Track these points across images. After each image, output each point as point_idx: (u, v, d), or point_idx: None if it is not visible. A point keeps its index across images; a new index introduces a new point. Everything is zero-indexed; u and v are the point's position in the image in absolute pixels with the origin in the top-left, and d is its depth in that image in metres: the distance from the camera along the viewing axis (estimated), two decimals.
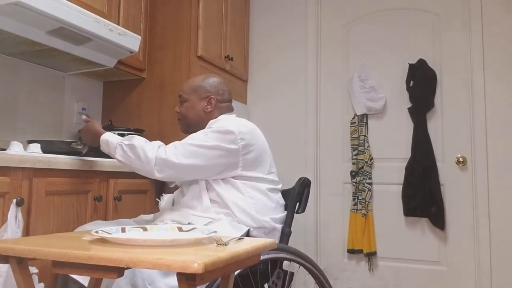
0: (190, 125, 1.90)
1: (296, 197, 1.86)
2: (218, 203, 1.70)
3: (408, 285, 2.90)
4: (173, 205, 1.91)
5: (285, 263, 1.74)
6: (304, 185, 1.89)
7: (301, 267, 1.67)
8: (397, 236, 2.94)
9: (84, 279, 1.44)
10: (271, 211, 1.77)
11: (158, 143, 1.71)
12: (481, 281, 2.71)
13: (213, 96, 1.88)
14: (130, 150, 1.66)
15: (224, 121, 1.80)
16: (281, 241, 1.79)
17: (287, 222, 1.82)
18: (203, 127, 1.81)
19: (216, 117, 1.87)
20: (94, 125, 1.81)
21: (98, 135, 1.76)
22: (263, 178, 1.77)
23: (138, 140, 1.68)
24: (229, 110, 1.93)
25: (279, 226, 1.79)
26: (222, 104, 1.90)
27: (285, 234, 1.80)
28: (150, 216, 1.89)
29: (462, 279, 2.78)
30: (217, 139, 1.68)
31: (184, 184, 1.84)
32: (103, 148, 1.75)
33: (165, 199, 1.93)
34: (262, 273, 1.70)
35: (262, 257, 1.52)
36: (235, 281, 1.53)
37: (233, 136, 1.69)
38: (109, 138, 1.73)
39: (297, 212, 1.87)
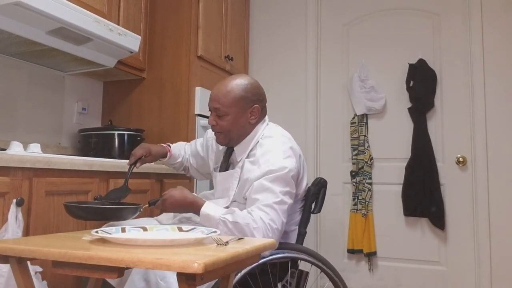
0: (233, 138, 1.74)
1: (312, 197, 1.85)
2: None
3: (408, 285, 2.90)
4: None
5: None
6: (320, 186, 1.87)
7: (313, 266, 1.68)
8: (397, 236, 2.94)
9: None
10: (293, 216, 1.78)
11: (259, 215, 1.51)
12: (481, 281, 2.71)
13: (256, 105, 1.73)
14: (235, 227, 1.48)
15: (276, 154, 1.65)
16: (296, 241, 1.79)
17: (303, 223, 1.82)
18: (245, 137, 1.74)
19: (255, 126, 1.75)
20: (188, 195, 1.61)
21: (198, 207, 1.57)
22: (297, 196, 1.77)
23: (242, 217, 1.50)
24: (265, 114, 1.83)
25: (297, 228, 1.81)
26: (263, 110, 1.78)
27: (301, 234, 1.80)
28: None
29: (462, 279, 2.78)
30: (283, 186, 1.60)
31: (224, 195, 1.76)
32: (202, 220, 1.57)
33: None
34: (275, 272, 1.70)
35: (276, 256, 1.56)
36: (245, 280, 1.54)
37: (291, 179, 1.64)
38: (210, 212, 1.54)
39: (313, 212, 1.86)
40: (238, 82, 1.72)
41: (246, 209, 1.56)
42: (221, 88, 1.71)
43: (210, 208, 1.56)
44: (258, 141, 1.73)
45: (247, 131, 1.74)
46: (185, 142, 2.11)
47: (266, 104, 1.84)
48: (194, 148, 2.04)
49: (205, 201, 1.59)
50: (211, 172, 1.94)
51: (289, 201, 1.61)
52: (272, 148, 1.67)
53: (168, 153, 1.96)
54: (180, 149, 2.04)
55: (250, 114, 1.72)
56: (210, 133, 1.94)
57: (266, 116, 1.83)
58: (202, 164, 2.02)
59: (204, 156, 1.99)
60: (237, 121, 1.70)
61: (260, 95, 1.76)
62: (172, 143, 2.06)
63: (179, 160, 2.02)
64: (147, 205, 1.63)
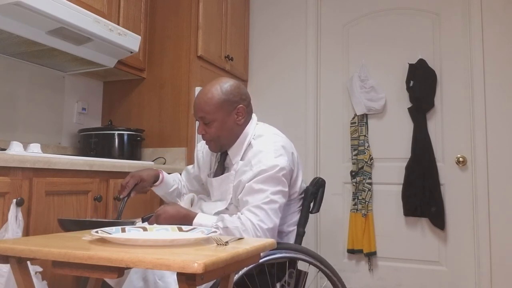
0: (224, 144, 1.74)
1: (310, 197, 1.85)
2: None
3: (408, 285, 2.90)
4: (191, 205, 1.89)
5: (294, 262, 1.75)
6: (318, 185, 1.87)
7: (311, 266, 1.68)
8: (397, 236, 2.94)
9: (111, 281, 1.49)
10: (291, 216, 1.79)
11: (247, 217, 1.54)
12: (481, 281, 2.71)
13: (241, 105, 1.71)
14: (226, 233, 1.52)
15: (267, 154, 1.65)
16: (295, 241, 1.79)
17: (301, 222, 1.81)
18: (236, 139, 1.73)
19: (245, 127, 1.74)
20: (180, 209, 1.66)
21: (191, 219, 1.61)
22: (292, 195, 1.77)
23: (231, 222, 1.54)
24: (251, 113, 1.81)
25: (295, 228, 1.81)
26: (248, 109, 1.76)
27: (299, 234, 1.80)
28: None
29: (462, 279, 2.78)
30: (274, 185, 1.61)
31: (222, 198, 1.77)
32: None
33: (184, 199, 1.91)
34: (273, 272, 1.70)
35: (274, 256, 1.56)
36: (243, 281, 1.54)
37: (283, 178, 1.63)
38: (202, 222, 1.59)
39: (311, 212, 1.85)
40: (217, 87, 1.70)
41: (238, 212, 1.59)
42: (202, 96, 1.70)
43: (202, 218, 1.61)
44: (250, 142, 1.73)
45: (237, 133, 1.73)
46: (177, 173, 2.07)
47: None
48: (186, 174, 2.03)
49: (197, 213, 1.62)
50: (205, 181, 1.92)
51: (281, 200, 1.61)
52: (263, 148, 1.67)
53: (160, 175, 1.90)
54: (174, 178, 2.00)
55: (237, 116, 1.71)
56: (200, 146, 1.95)
57: (254, 115, 1.82)
58: (198, 184, 2.00)
59: (197, 174, 1.97)
60: (224, 125, 1.69)
61: (242, 94, 1.74)
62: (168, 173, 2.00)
63: (175, 186, 1.97)
64: (141, 221, 1.66)
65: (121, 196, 1.76)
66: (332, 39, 3.26)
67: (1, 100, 2.31)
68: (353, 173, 3.02)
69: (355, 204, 3.00)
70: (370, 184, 2.98)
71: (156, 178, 1.89)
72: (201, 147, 1.93)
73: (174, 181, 1.98)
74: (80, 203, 1.87)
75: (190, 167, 2.04)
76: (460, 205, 2.82)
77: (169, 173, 2.37)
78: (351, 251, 2.97)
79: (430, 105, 2.92)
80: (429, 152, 2.86)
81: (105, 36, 2.24)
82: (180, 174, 2.08)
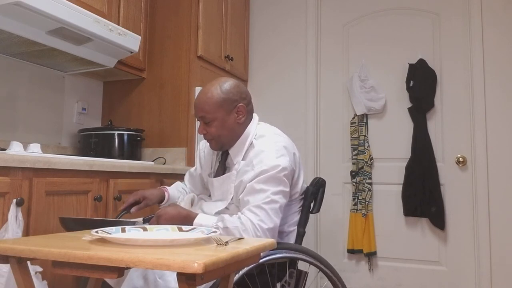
0: (225, 143, 1.73)
1: (311, 197, 1.84)
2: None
3: (408, 285, 2.90)
4: (191, 206, 1.89)
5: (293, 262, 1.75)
6: (318, 185, 1.87)
7: (311, 266, 1.68)
8: (397, 236, 2.94)
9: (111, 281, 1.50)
10: (292, 216, 1.79)
11: (248, 217, 1.54)
12: (481, 281, 2.71)
13: (241, 104, 1.71)
14: (226, 233, 1.52)
15: (269, 154, 1.65)
16: (295, 241, 1.79)
17: (301, 222, 1.81)
18: (238, 138, 1.73)
19: (246, 126, 1.74)
20: (181, 209, 1.65)
21: (191, 219, 1.61)
22: (293, 196, 1.77)
23: (231, 222, 1.54)
24: (252, 112, 1.80)
25: (296, 228, 1.81)
26: (249, 108, 1.75)
27: (300, 234, 1.79)
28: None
29: (462, 279, 2.78)
30: (275, 185, 1.61)
31: (221, 198, 1.77)
32: None
33: (185, 199, 1.91)
34: (273, 272, 1.70)
35: (274, 256, 1.56)
36: (244, 281, 1.54)
37: (284, 178, 1.63)
38: (203, 222, 1.59)
39: (311, 212, 1.85)
40: (217, 86, 1.70)
41: (239, 212, 1.59)
42: (202, 96, 1.70)
43: (203, 218, 1.61)
44: (251, 142, 1.72)
45: (238, 132, 1.73)
46: (178, 182, 2.07)
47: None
48: (190, 178, 2.03)
49: (197, 214, 1.63)
50: (206, 181, 1.91)
51: (282, 200, 1.61)
52: (265, 148, 1.67)
53: (166, 194, 1.90)
54: (177, 188, 1.99)
55: (237, 114, 1.71)
56: (202, 145, 1.95)
57: (255, 114, 1.82)
58: (201, 184, 2.00)
59: (200, 173, 1.97)
60: (225, 124, 1.69)
61: (242, 93, 1.74)
62: (168, 186, 1.99)
63: (181, 197, 1.96)
64: (142, 222, 1.67)
65: (120, 208, 1.79)
66: (332, 39, 3.27)
67: (1, 100, 2.31)
68: (353, 173, 3.03)
69: (355, 204, 3.00)
70: (370, 184, 2.98)
71: (161, 198, 1.89)
72: (203, 146, 1.94)
73: (179, 192, 1.98)
74: (80, 203, 1.87)
75: (192, 169, 2.03)
76: (460, 205, 2.82)
77: (169, 175, 2.37)
78: (351, 251, 2.97)
79: (430, 105, 2.92)
80: (429, 152, 2.86)
81: (105, 36, 2.24)
82: (181, 177, 2.07)
